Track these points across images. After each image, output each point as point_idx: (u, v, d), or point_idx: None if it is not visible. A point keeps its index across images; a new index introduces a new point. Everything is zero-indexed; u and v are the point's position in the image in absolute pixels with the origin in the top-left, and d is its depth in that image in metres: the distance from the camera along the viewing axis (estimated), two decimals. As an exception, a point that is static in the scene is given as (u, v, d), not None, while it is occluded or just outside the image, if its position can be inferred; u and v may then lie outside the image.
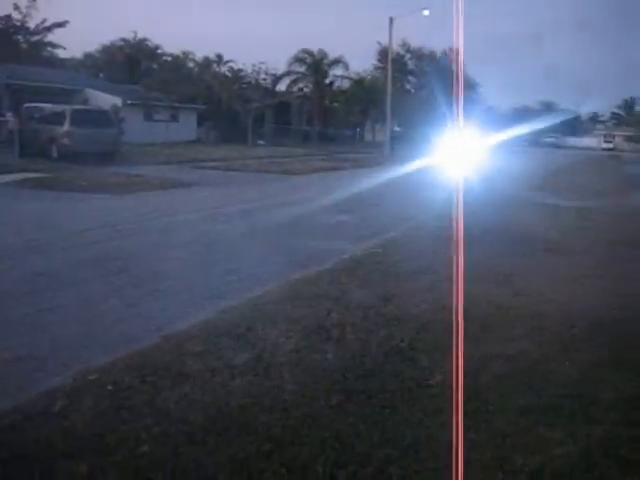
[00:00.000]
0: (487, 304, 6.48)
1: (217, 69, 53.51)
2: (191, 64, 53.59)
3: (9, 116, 27.70)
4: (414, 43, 65.87)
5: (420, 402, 4.23)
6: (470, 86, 68.79)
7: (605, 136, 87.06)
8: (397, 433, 3.80)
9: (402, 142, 45.33)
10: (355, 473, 3.39)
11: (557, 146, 77.96)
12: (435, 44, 66.44)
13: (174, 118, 42.29)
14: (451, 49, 67.98)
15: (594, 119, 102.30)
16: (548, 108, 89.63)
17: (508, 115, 79.55)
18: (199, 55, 54.30)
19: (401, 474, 3.40)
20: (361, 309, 6.28)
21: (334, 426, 3.86)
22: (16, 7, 48.82)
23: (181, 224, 12.25)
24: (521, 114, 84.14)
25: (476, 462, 3.49)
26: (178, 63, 51.30)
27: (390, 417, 4.01)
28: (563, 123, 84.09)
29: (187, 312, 6.33)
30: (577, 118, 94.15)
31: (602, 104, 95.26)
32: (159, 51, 55.92)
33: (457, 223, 3.30)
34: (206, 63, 53.36)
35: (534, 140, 77.81)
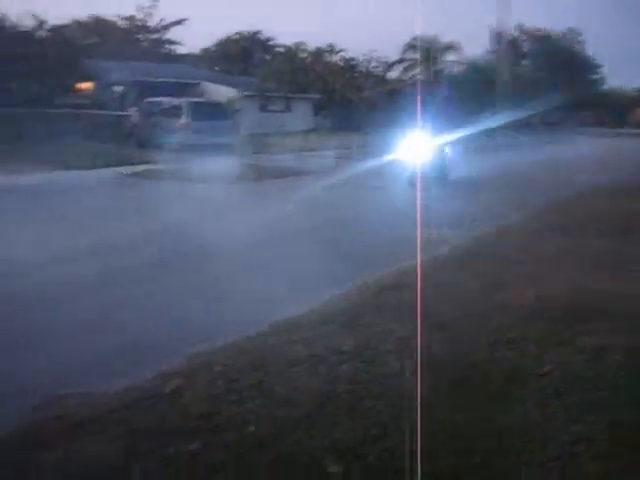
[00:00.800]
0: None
1: (329, 59, 53.73)
2: (304, 54, 54.06)
3: (132, 110, 29.02)
4: (529, 24, 63.80)
5: (527, 393, 4.14)
6: (589, 67, 65.85)
7: None
8: (503, 424, 3.74)
9: (517, 126, 43.96)
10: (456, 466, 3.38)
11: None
12: (550, 24, 64.09)
13: (288, 108, 42.86)
14: (570, 29, 65.42)
15: None
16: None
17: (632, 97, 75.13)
18: (311, 45, 54.75)
19: (506, 465, 3.36)
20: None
21: (437, 415, 3.84)
22: (139, 8, 51.61)
23: (308, 208, 13.11)
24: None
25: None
26: (290, 54, 51.87)
27: (496, 408, 3.96)
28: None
29: (295, 299, 6.44)
30: None
31: None
32: (271, 43, 56.94)
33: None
34: (318, 53, 53.67)
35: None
